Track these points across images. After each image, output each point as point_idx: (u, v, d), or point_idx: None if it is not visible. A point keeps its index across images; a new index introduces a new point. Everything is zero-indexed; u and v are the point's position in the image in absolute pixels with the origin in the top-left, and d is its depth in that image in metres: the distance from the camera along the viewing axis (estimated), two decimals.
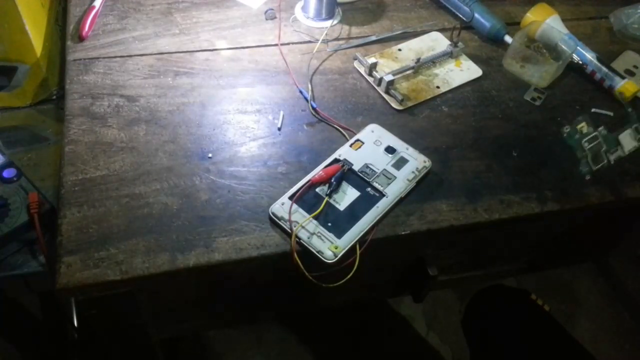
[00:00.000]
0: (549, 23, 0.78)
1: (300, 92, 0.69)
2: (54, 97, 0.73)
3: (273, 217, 0.56)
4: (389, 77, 0.70)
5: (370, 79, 0.72)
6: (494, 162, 0.65)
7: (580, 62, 0.77)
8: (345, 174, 0.60)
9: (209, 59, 0.72)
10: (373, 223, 0.57)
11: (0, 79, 0.69)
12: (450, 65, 0.76)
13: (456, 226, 0.59)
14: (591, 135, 0.58)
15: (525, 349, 0.76)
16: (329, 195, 0.58)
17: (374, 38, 0.78)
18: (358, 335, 1.29)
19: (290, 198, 0.58)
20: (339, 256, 0.54)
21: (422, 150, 0.64)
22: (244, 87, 0.69)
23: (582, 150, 0.57)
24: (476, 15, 0.80)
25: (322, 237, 0.55)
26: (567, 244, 0.84)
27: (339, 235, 0.55)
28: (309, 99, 0.68)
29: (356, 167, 0.61)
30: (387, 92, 0.71)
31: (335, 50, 0.75)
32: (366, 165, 0.61)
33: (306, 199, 0.58)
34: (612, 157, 0.57)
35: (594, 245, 0.91)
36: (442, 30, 0.81)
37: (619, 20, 0.84)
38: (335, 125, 0.66)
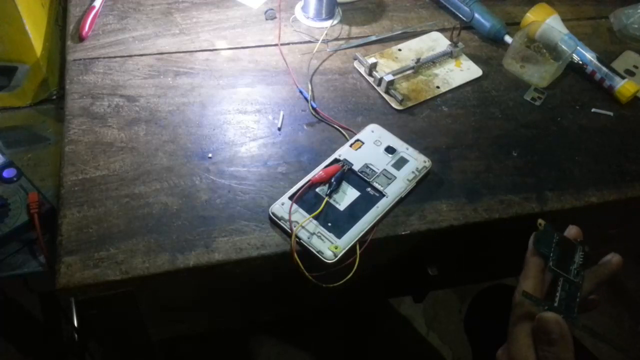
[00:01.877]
0: (549, 23, 0.78)
1: (300, 92, 0.69)
2: (54, 97, 0.73)
3: (273, 217, 0.56)
4: (389, 77, 0.70)
5: (370, 79, 0.72)
6: (494, 162, 0.65)
7: (580, 62, 0.77)
8: (345, 174, 0.60)
9: (209, 59, 0.72)
10: (373, 223, 0.57)
11: (0, 79, 0.69)
12: (450, 65, 0.76)
13: (456, 226, 0.59)
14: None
15: None
16: (329, 195, 0.58)
17: (374, 38, 0.78)
18: (358, 336, 1.29)
19: (290, 198, 0.58)
20: (339, 256, 0.54)
21: (422, 150, 0.64)
22: (244, 87, 0.69)
23: None
24: (476, 15, 0.80)
25: (322, 237, 0.55)
26: None
27: (339, 235, 0.55)
28: (309, 99, 0.68)
29: (356, 167, 0.61)
30: (387, 92, 0.71)
31: (335, 50, 0.75)
32: (366, 165, 0.61)
33: (306, 199, 0.58)
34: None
35: (594, 245, 0.90)
36: (442, 30, 0.81)
37: (619, 20, 0.84)
38: (335, 125, 0.66)
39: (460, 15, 0.82)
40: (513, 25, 0.81)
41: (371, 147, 0.63)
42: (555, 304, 0.46)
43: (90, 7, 0.74)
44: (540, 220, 0.51)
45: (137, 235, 0.54)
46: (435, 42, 0.79)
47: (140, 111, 0.65)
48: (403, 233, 0.58)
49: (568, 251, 0.50)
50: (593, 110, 0.73)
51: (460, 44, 0.76)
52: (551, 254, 0.49)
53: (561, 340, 0.43)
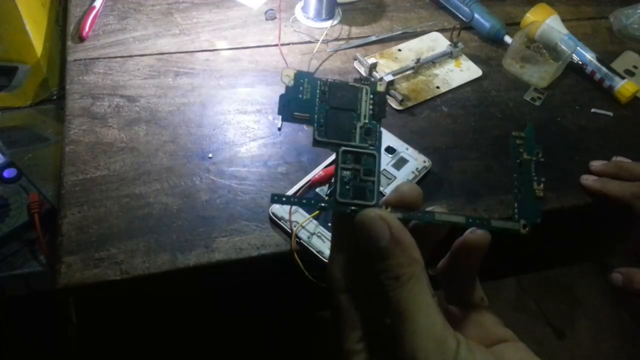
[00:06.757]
0: (548, 23, 0.78)
1: None
2: (54, 97, 0.73)
3: (273, 217, 0.56)
4: (389, 77, 0.70)
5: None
6: (494, 162, 0.65)
7: (580, 62, 0.77)
8: None
9: (209, 59, 0.72)
10: None
11: (0, 79, 0.69)
12: (450, 65, 0.76)
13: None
14: None
15: None
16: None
17: (374, 38, 0.78)
18: None
19: None
20: None
21: (422, 150, 0.64)
22: (244, 87, 0.69)
23: None
24: (476, 15, 0.80)
25: (322, 237, 0.55)
26: (567, 244, 0.84)
27: None
28: None
29: None
30: (387, 92, 0.71)
31: (335, 51, 0.75)
32: None
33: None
34: None
35: (594, 245, 0.91)
36: (442, 30, 0.81)
37: (619, 20, 0.84)
38: None
39: (460, 16, 0.82)
40: (513, 25, 0.81)
41: None
42: (337, 194, 0.26)
43: (90, 7, 0.74)
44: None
45: (137, 235, 0.54)
46: (435, 42, 0.79)
47: (140, 111, 0.65)
48: None
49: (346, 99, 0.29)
50: (593, 110, 0.73)
51: (460, 44, 0.76)
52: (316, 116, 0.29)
53: (395, 245, 0.26)
